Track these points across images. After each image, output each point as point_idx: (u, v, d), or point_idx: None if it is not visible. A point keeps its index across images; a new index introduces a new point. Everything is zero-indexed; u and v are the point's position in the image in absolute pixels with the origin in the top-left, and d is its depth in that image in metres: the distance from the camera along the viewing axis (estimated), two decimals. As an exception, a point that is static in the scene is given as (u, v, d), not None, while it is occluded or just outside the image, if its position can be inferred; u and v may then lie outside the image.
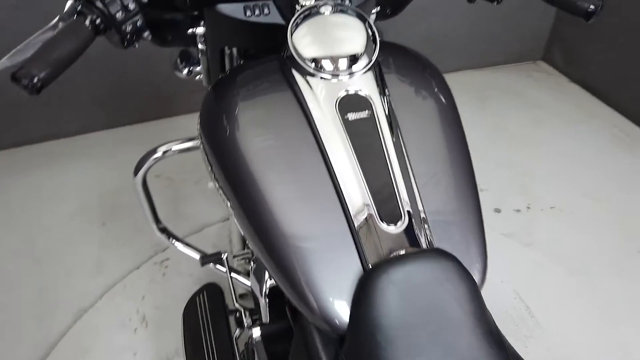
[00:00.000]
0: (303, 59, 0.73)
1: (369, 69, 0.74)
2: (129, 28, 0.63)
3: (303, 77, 0.74)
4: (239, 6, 0.86)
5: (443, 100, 0.84)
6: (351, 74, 0.72)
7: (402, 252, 0.62)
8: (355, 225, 0.63)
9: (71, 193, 2.10)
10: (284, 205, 0.66)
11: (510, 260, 1.80)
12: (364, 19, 0.78)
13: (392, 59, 0.83)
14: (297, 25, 0.76)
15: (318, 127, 0.70)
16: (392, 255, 0.62)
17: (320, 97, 0.72)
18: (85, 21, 0.60)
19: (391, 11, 1.12)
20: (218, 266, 1.25)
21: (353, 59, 0.74)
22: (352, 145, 0.68)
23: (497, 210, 2.03)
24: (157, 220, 1.20)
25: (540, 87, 2.86)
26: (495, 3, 0.83)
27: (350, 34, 0.76)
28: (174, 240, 1.24)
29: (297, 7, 0.83)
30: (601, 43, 2.62)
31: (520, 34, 2.97)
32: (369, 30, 0.77)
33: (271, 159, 0.70)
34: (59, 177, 2.19)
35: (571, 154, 2.33)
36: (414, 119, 0.75)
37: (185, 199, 2.05)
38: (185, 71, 1.08)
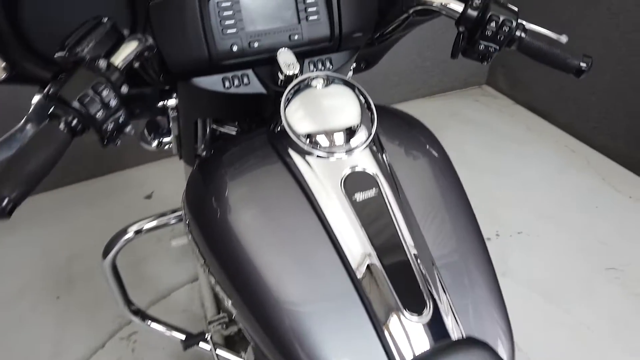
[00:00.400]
0: (298, 136, 0.68)
1: (370, 142, 0.70)
2: (110, 126, 0.56)
3: (300, 155, 0.69)
4: (217, 78, 0.81)
5: (444, 166, 0.83)
6: (352, 149, 0.68)
7: (435, 344, 0.57)
8: (379, 320, 0.58)
9: (18, 266, 1.92)
10: (296, 301, 0.60)
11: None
12: (353, 87, 0.75)
13: (386, 124, 0.80)
14: (289, 100, 0.71)
15: (324, 209, 0.65)
16: (425, 351, 0.57)
17: (322, 176, 0.67)
18: (59, 124, 0.52)
19: (366, 65, 1.09)
20: (202, 344, 1.15)
21: (351, 133, 0.70)
22: (365, 230, 0.63)
23: (468, 241, 2.03)
24: (129, 302, 1.09)
25: (490, 111, 2.95)
26: (485, 63, 0.82)
27: (346, 107, 0.72)
28: (149, 321, 1.13)
29: (280, 75, 0.79)
30: (541, 66, 2.75)
31: (464, 61, 3.06)
32: (362, 99, 0.73)
33: (274, 244, 0.64)
34: (1, 250, 1.99)
35: (528, 176, 2.40)
36: (421, 193, 0.72)
37: (147, 260, 1.92)
38: (155, 143, 1.00)
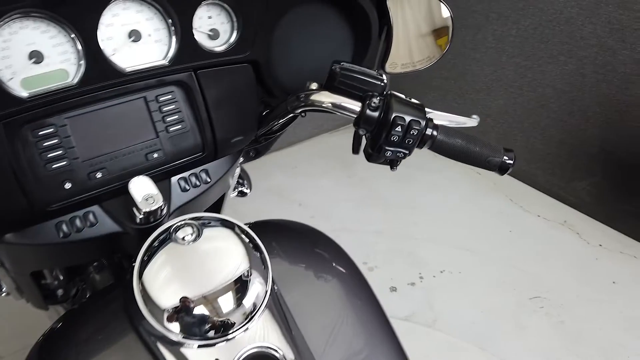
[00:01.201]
0: (162, 321, 0.49)
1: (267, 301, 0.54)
2: None
3: (168, 346, 0.50)
4: (49, 225, 0.60)
5: (353, 283, 0.69)
6: (242, 325, 0.51)
7: None
8: None
9: None
10: None
11: (419, 348, 1.70)
12: (233, 226, 0.58)
13: (282, 255, 0.65)
14: (144, 263, 0.52)
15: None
16: None
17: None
18: None
19: (256, 153, 0.93)
20: None
21: (238, 297, 0.53)
22: None
23: (393, 289, 1.93)
24: None
25: (394, 140, 2.92)
26: (394, 169, 0.68)
27: (226, 262, 0.55)
28: None
29: (137, 213, 0.59)
30: (437, 92, 2.77)
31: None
32: (246, 238, 0.56)
33: None
34: None
35: (442, 207, 2.36)
36: (335, 339, 0.60)
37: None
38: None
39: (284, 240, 0.73)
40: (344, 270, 0.71)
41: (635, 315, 1.81)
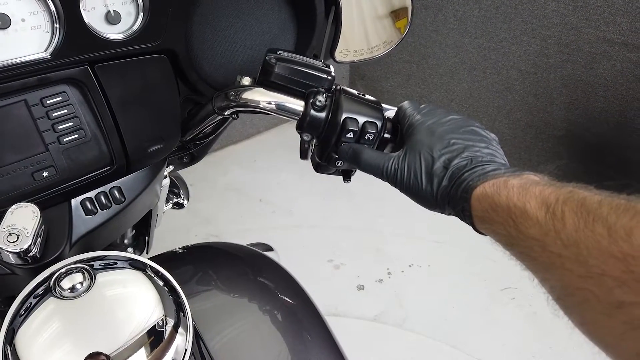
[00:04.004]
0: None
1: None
2: None
3: None
4: None
5: (298, 307, 0.58)
6: None
7: None
8: None
9: None
10: None
11: (389, 351, 1.61)
12: (144, 266, 0.45)
13: (203, 293, 0.53)
14: (16, 329, 0.40)
15: None
16: None
17: None
18: None
19: (190, 158, 0.79)
20: None
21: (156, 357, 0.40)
22: None
23: (361, 287, 1.83)
24: None
25: (357, 128, 2.81)
26: (348, 181, 0.57)
27: (131, 318, 0.42)
28: None
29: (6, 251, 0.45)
30: (399, 75, 2.67)
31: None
32: (160, 281, 0.44)
33: None
34: None
35: (407, 199, 2.27)
36: None
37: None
38: None
39: (222, 268, 0.61)
40: (291, 301, 0.60)
41: (607, 301, 1.78)
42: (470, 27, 2.22)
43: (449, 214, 0.51)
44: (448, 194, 0.48)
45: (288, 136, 2.70)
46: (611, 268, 0.30)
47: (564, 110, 2.09)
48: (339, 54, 0.66)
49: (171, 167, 0.74)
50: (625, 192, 0.37)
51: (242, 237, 2.09)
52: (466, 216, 0.47)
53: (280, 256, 1.44)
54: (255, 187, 2.32)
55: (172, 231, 1.69)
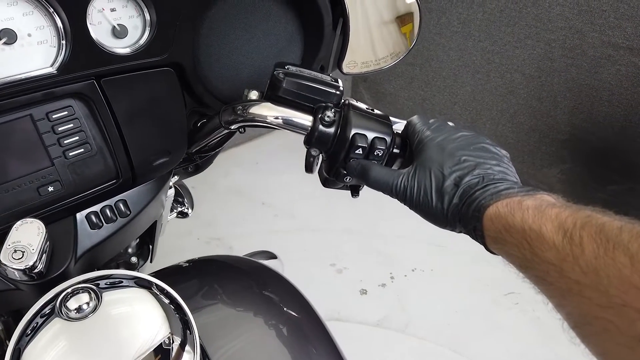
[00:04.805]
0: None
1: None
2: None
3: None
4: None
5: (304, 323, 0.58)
6: None
7: None
8: None
9: None
10: None
11: (392, 356, 1.60)
12: (150, 284, 0.44)
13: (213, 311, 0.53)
14: (22, 350, 0.39)
15: None
16: None
17: None
18: None
19: (195, 168, 0.78)
20: None
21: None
22: None
23: (364, 292, 1.83)
24: None
25: (359, 130, 2.80)
26: (356, 196, 0.56)
27: (139, 339, 0.42)
28: None
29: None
30: (402, 77, 2.66)
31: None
32: (166, 299, 0.44)
33: None
34: None
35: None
36: None
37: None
38: None
39: (226, 282, 0.61)
40: (296, 314, 0.59)
41: (610, 307, 1.77)
42: (474, 31, 2.22)
43: (460, 232, 0.51)
44: (459, 212, 0.47)
45: (290, 139, 2.70)
46: (633, 299, 0.29)
47: (568, 114, 2.08)
48: (347, 66, 0.65)
49: (176, 177, 0.74)
50: (629, 196, 0.36)
51: (244, 241, 2.08)
52: (478, 235, 0.46)
53: (283, 260, 1.44)
54: (257, 190, 2.31)
55: (174, 235, 1.69)
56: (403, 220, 2.13)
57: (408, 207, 0.53)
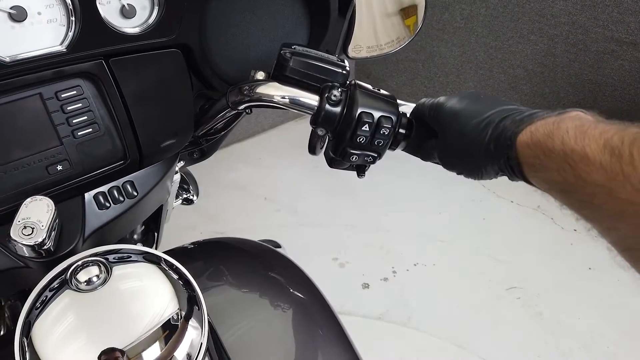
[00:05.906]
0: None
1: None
2: None
3: None
4: None
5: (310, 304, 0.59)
6: None
7: None
8: None
9: None
10: None
11: (394, 349, 1.61)
12: (158, 260, 0.45)
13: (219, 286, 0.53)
14: (33, 321, 0.40)
15: None
16: None
17: None
18: None
19: (200, 154, 0.79)
20: None
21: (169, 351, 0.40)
22: None
23: (366, 286, 1.83)
24: None
25: (362, 126, 2.80)
26: (362, 176, 0.57)
27: (148, 313, 0.42)
28: None
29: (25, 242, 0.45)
30: (405, 72, 2.66)
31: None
32: (175, 275, 0.44)
33: None
34: None
35: (411, 196, 2.27)
36: None
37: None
38: None
39: (234, 263, 0.61)
40: (303, 297, 0.60)
41: (613, 302, 1.77)
42: (476, 26, 2.22)
43: (496, 174, 0.48)
44: (494, 142, 0.45)
45: (293, 134, 2.71)
46: None
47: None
48: (352, 50, 0.66)
49: (182, 163, 0.74)
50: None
51: (247, 235, 2.08)
52: (513, 166, 0.44)
53: (287, 253, 1.44)
54: (260, 185, 2.32)
55: (177, 228, 1.69)
56: (405, 215, 2.15)
57: (442, 166, 0.53)
